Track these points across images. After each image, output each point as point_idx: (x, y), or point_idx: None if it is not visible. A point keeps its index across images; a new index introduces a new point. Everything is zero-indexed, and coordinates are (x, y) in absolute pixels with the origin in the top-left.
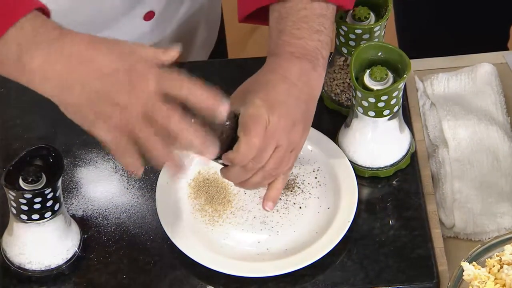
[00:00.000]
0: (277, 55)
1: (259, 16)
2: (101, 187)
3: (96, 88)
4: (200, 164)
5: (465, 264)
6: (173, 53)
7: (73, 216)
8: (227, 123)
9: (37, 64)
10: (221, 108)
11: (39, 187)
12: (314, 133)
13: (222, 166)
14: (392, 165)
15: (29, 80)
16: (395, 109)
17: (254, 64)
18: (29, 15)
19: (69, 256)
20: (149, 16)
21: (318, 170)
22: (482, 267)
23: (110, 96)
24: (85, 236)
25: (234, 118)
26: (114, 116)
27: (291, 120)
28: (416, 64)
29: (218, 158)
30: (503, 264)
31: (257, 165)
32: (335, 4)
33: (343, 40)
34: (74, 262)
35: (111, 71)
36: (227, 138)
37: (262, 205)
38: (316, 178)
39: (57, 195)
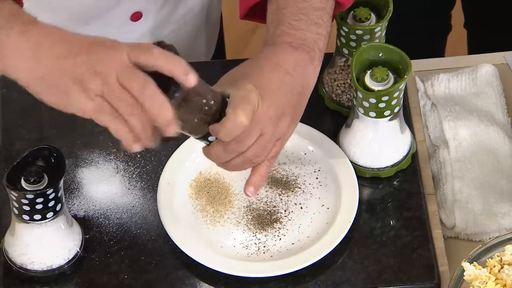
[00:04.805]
0: (274, 45)
1: (260, 13)
2: (103, 188)
3: (72, 57)
4: (201, 164)
5: (465, 265)
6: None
7: (75, 217)
8: (213, 102)
9: (11, 41)
10: (190, 75)
11: (41, 188)
12: (315, 133)
13: (205, 145)
14: (393, 166)
15: (1, 57)
16: (396, 110)
17: None
18: (6, 2)
19: (70, 256)
20: (136, 16)
21: (319, 170)
22: (483, 268)
23: (87, 64)
24: (87, 236)
25: (222, 100)
26: (93, 83)
27: (280, 110)
28: (417, 64)
29: (202, 138)
30: (504, 264)
31: (238, 148)
32: None
33: (344, 40)
34: (76, 262)
35: (85, 44)
36: (214, 118)
37: (244, 191)
38: (317, 178)
39: (58, 195)
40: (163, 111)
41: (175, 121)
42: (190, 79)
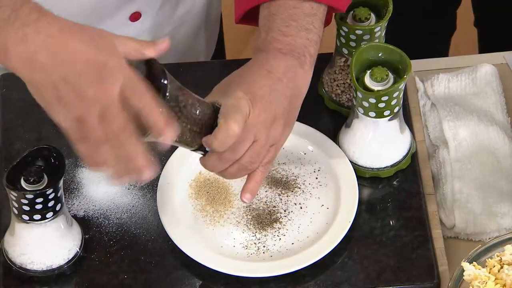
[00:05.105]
0: (264, 51)
1: (255, 17)
2: (102, 188)
3: (63, 75)
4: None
5: (465, 264)
6: (161, 47)
7: (75, 216)
8: (204, 114)
9: (11, 42)
10: (167, 134)
11: (41, 188)
12: (314, 133)
13: (201, 156)
14: (392, 166)
15: (4, 57)
16: (396, 110)
17: None
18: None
19: (70, 256)
20: (134, 17)
21: (318, 170)
22: (483, 267)
23: (75, 85)
24: (87, 236)
25: (214, 110)
26: (74, 106)
27: (272, 115)
28: (417, 64)
29: (198, 149)
30: (504, 264)
31: (233, 157)
32: (326, 4)
33: (343, 40)
34: (76, 262)
35: (82, 61)
36: (207, 129)
37: (240, 197)
38: (316, 178)
39: (58, 195)
40: (137, 159)
41: (150, 167)
42: (166, 137)
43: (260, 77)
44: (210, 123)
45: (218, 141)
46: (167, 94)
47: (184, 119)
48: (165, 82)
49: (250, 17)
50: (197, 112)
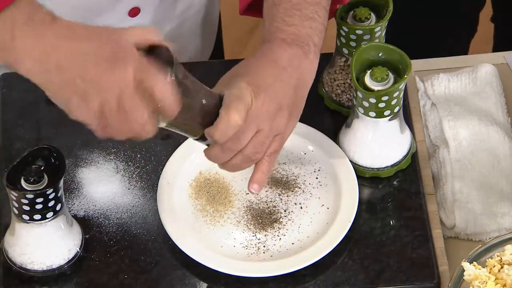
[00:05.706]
0: (269, 41)
1: (259, 8)
2: (103, 187)
3: (79, 70)
4: (201, 164)
5: (465, 264)
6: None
7: (75, 216)
8: (208, 103)
9: (27, 44)
10: (174, 106)
11: (41, 188)
12: (315, 133)
13: (206, 147)
14: (392, 166)
15: (16, 59)
16: (396, 110)
17: None
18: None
19: (70, 256)
20: (133, 12)
21: (319, 170)
22: (483, 267)
23: (91, 78)
24: (87, 236)
25: (219, 100)
26: (93, 96)
27: (276, 104)
28: (417, 64)
29: (202, 139)
30: (504, 264)
31: (235, 147)
32: None
33: (344, 40)
34: (76, 262)
35: (93, 54)
36: (211, 118)
37: (248, 188)
38: (317, 178)
39: (58, 195)
40: (145, 127)
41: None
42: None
43: (264, 68)
44: (214, 113)
45: (220, 131)
46: (173, 78)
47: (188, 106)
48: (171, 66)
49: (253, 8)
50: (202, 101)
